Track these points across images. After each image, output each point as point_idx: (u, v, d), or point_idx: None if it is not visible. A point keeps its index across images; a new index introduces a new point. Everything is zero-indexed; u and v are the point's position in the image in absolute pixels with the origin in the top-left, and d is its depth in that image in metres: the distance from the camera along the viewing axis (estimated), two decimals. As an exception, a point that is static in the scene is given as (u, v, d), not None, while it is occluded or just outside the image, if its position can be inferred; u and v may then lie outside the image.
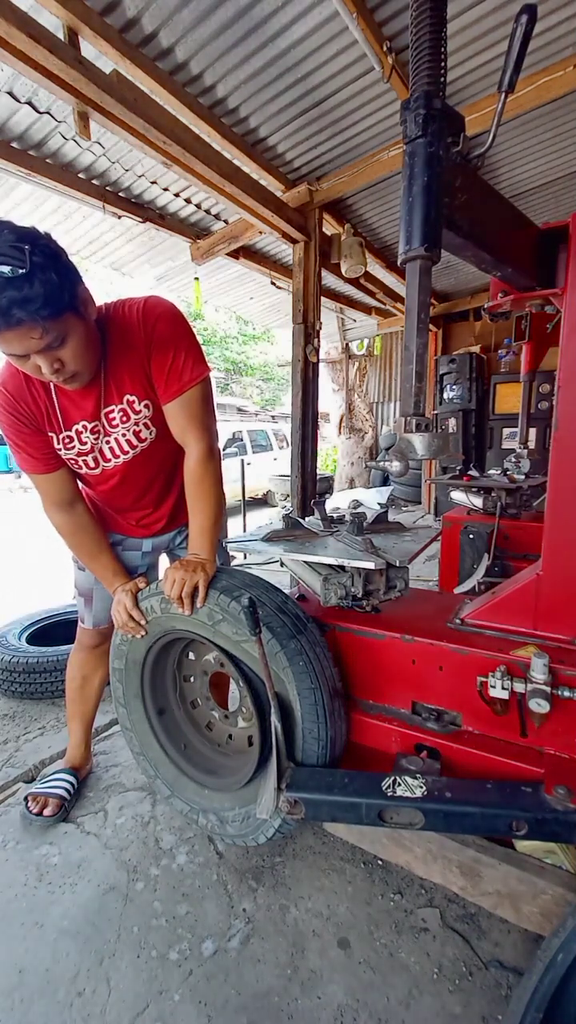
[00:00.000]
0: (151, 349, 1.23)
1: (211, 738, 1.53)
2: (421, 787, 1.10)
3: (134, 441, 1.33)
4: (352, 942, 1.20)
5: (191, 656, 1.50)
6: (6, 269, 0.91)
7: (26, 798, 1.59)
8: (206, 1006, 1.08)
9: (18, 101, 2.52)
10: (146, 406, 1.30)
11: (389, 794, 1.10)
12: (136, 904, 1.31)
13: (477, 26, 2.25)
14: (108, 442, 1.33)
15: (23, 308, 0.94)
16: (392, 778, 1.13)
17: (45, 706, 2.22)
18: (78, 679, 1.70)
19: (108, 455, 1.34)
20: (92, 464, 1.35)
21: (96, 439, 1.31)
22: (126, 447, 1.34)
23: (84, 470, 1.37)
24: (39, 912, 1.29)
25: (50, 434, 1.30)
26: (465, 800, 1.07)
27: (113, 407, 1.28)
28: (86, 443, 1.31)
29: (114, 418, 1.29)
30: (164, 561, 1.67)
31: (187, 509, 1.37)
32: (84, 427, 1.29)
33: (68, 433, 1.29)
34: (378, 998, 1.09)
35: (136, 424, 1.31)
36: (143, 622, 1.37)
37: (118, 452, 1.34)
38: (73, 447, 1.31)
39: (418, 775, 1.14)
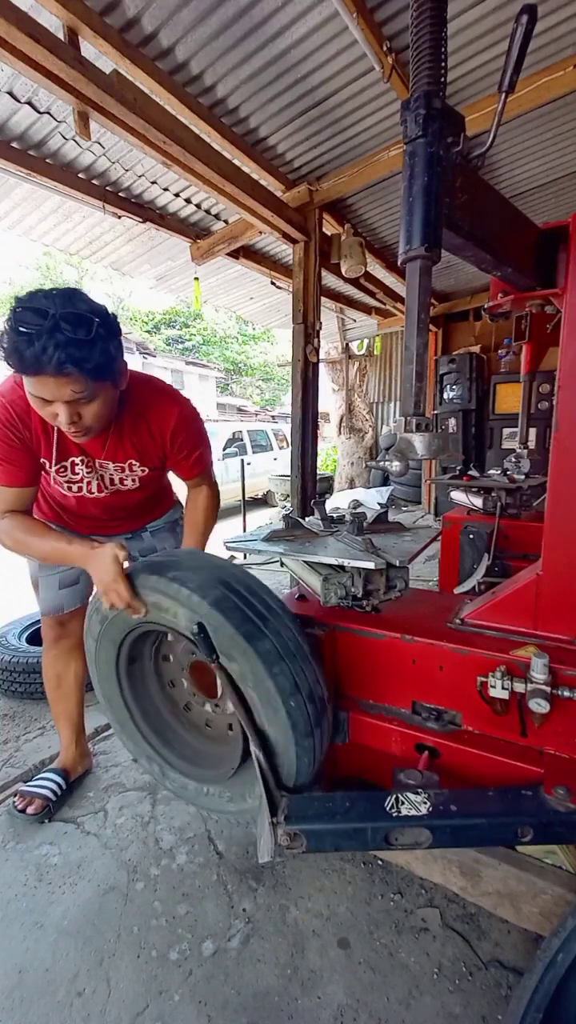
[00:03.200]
0: (178, 450, 1.46)
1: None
2: (425, 803, 1.06)
3: (119, 485, 1.49)
4: (352, 942, 1.20)
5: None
6: (74, 332, 1.05)
7: (15, 793, 1.63)
8: (206, 1006, 1.08)
9: (18, 101, 2.52)
10: (143, 470, 1.47)
11: (394, 814, 1.05)
12: (136, 904, 1.31)
13: (477, 26, 2.25)
14: (98, 480, 1.46)
15: (77, 365, 1.06)
16: (394, 796, 1.09)
17: (45, 706, 2.22)
18: (52, 679, 1.71)
19: (94, 489, 1.47)
20: (76, 491, 1.46)
21: (90, 473, 1.44)
22: (109, 486, 1.48)
23: (68, 493, 1.46)
24: (39, 912, 1.29)
25: (43, 460, 1.37)
26: (470, 812, 1.05)
27: (109, 463, 1.43)
28: (78, 474, 1.42)
29: (108, 467, 1.44)
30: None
31: (137, 522, 1.69)
32: (80, 461, 1.40)
33: (64, 463, 1.39)
34: (378, 998, 1.09)
35: (125, 476, 1.48)
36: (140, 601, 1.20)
37: (104, 487, 1.48)
38: (65, 475, 1.41)
39: (419, 790, 1.10)
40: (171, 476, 1.72)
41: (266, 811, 1.09)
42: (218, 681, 1.13)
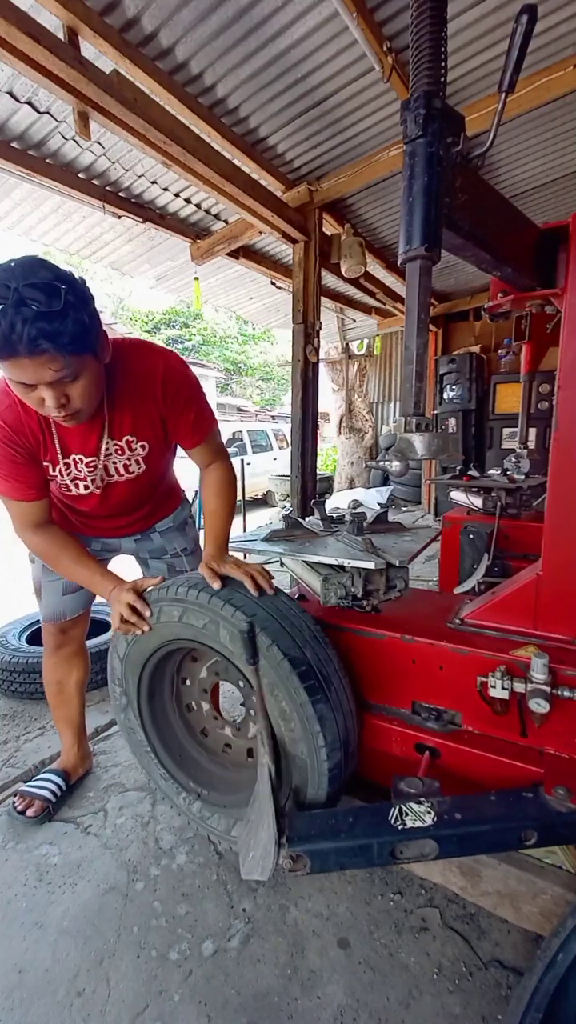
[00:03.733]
0: (172, 407, 1.34)
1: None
2: (429, 812, 1.03)
3: (124, 472, 1.41)
4: (352, 942, 1.20)
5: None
6: (42, 303, 0.96)
7: (15, 794, 1.62)
8: (206, 1006, 1.08)
9: (18, 101, 2.52)
10: (143, 447, 1.38)
11: (399, 827, 1.02)
12: (136, 904, 1.31)
13: (477, 26, 2.25)
14: (106, 469, 1.39)
15: (51, 340, 0.98)
16: (397, 808, 1.05)
17: (45, 706, 2.22)
18: (53, 685, 1.69)
19: (99, 482, 1.40)
20: (83, 489, 1.40)
21: (92, 470, 1.37)
22: (115, 475, 1.41)
23: (73, 491, 1.40)
24: (39, 912, 1.29)
25: (45, 463, 1.32)
26: (474, 820, 1.03)
27: (109, 442, 1.34)
28: (80, 471, 1.36)
29: (109, 451, 1.35)
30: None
31: (154, 518, 1.63)
32: (81, 459, 1.33)
33: (66, 461, 1.33)
34: (378, 998, 1.09)
35: (128, 460, 1.39)
36: (147, 613, 1.29)
37: (110, 476, 1.42)
38: (69, 472, 1.36)
39: (422, 799, 1.07)
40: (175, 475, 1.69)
41: (269, 828, 1.04)
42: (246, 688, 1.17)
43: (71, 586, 1.59)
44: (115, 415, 1.30)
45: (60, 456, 1.31)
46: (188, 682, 1.51)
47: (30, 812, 1.56)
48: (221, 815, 1.37)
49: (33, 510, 1.34)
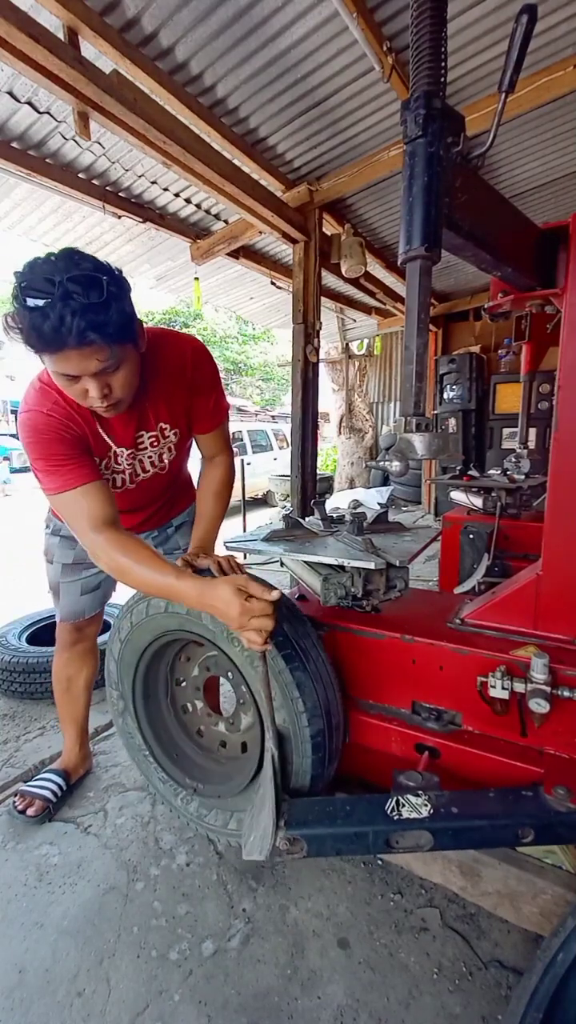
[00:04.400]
0: (198, 389, 1.37)
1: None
2: (426, 805, 1.05)
3: (157, 462, 1.43)
4: (352, 942, 1.20)
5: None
6: (86, 295, 0.96)
7: (15, 793, 1.62)
8: (206, 1006, 1.08)
9: (18, 101, 2.52)
10: (175, 433, 1.40)
11: (395, 817, 1.04)
12: (136, 904, 1.31)
13: (477, 26, 2.25)
14: (141, 463, 1.41)
15: (98, 331, 0.98)
16: (395, 799, 1.08)
17: (45, 706, 2.22)
18: (63, 681, 1.70)
19: (139, 473, 1.42)
20: (119, 484, 1.40)
21: (131, 462, 1.38)
22: (149, 467, 1.43)
23: (114, 487, 1.40)
24: (39, 912, 1.29)
25: (95, 458, 1.30)
26: (471, 814, 1.04)
27: (144, 433, 1.36)
28: (120, 464, 1.37)
29: (143, 443, 1.37)
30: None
31: (173, 511, 1.64)
32: (122, 452, 1.34)
33: (107, 456, 1.34)
34: (378, 998, 1.09)
35: (162, 448, 1.41)
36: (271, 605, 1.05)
37: (140, 473, 1.43)
38: (110, 467, 1.36)
39: (420, 792, 1.09)
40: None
41: (269, 811, 1.08)
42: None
43: (90, 585, 1.61)
44: (149, 404, 1.31)
45: (107, 449, 1.31)
46: (183, 683, 1.52)
47: (30, 811, 1.56)
48: (218, 811, 1.38)
49: (99, 494, 1.20)
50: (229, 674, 1.34)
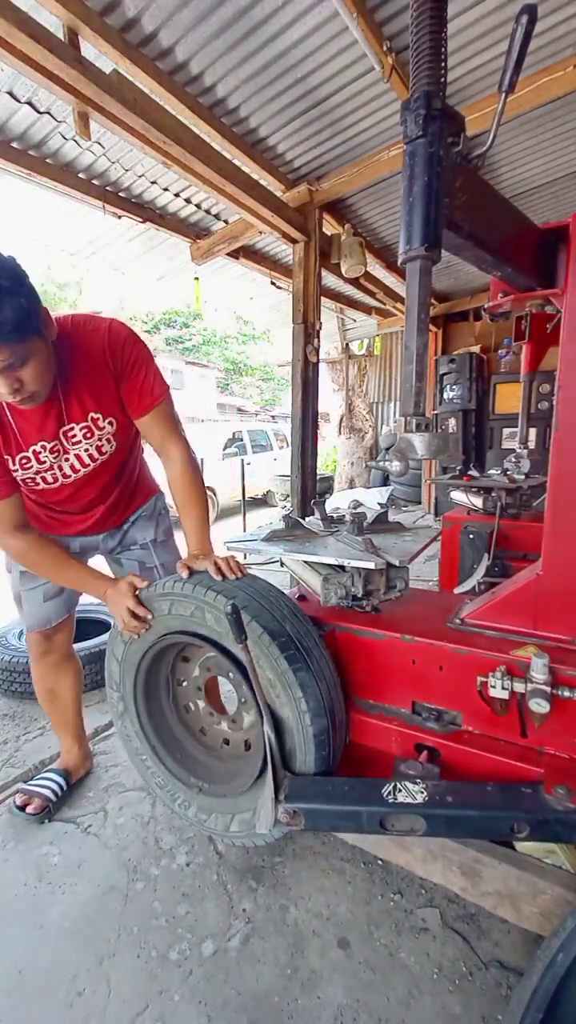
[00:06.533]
0: (123, 370, 1.30)
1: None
2: (422, 792, 1.09)
3: (95, 455, 1.38)
4: (352, 942, 1.20)
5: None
6: None
7: (16, 792, 1.62)
8: (206, 1006, 1.08)
9: (18, 101, 2.52)
10: (110, 423, 1.35)
11: (390, 801, 1.09)
12: (136, 904, 1.31)
13: (477, 26, 2.25)
14: (68, 459, 1.35)
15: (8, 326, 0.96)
16: (392, 784, 1.12)
17: (45, 706, 2.22)
18: (45, 693, 1.67)
19: (68, 471, 1.37)
20: (51, 480, 1.37)
21: (56, 457, 1.33)
22: (87, 461, 1.38)
23: (41, 486, 1.38)
24: (39, 912, 1.29)
25: (6, 456, 1.28)
26: (466, 804, 1.07)
27: (74, 425, 1.31)
28: (44, 462, 1.32)
29: (75, 435, 1.32)
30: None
31: (121, 512, 1.58)
32: (43, 447, 1.30)
33: (25, 453, 1.29)
34: (378, 998, 1.09)
35: (99, 440, 1.36)
36: (149, 616, 1.31)
37: (78, 467, 1.38)
38: (31, 467, 1.32)
39: (418, 780, 1.13)
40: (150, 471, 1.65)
41: (270, 787, 1.14)
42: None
43: (52, 591, 1.55)
44: (71, 394, 1.27)
45: (21, 447, 1.28)
46: (184, 683, 1.52)
47: (30, 809, 1.56)
48: (218, 815, 1.37)
49: (10, 509, 1.30)
50: (230, 674, 1.34)
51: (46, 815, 1.57)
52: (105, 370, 1.28)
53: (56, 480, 1.37)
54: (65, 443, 1.32)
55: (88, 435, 1.33)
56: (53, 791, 1.62)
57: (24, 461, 1.30)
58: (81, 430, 1.32)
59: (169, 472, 1.42)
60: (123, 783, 1.74)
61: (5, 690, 2.27)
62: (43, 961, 1.18)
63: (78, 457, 1.36)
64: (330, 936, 1.22)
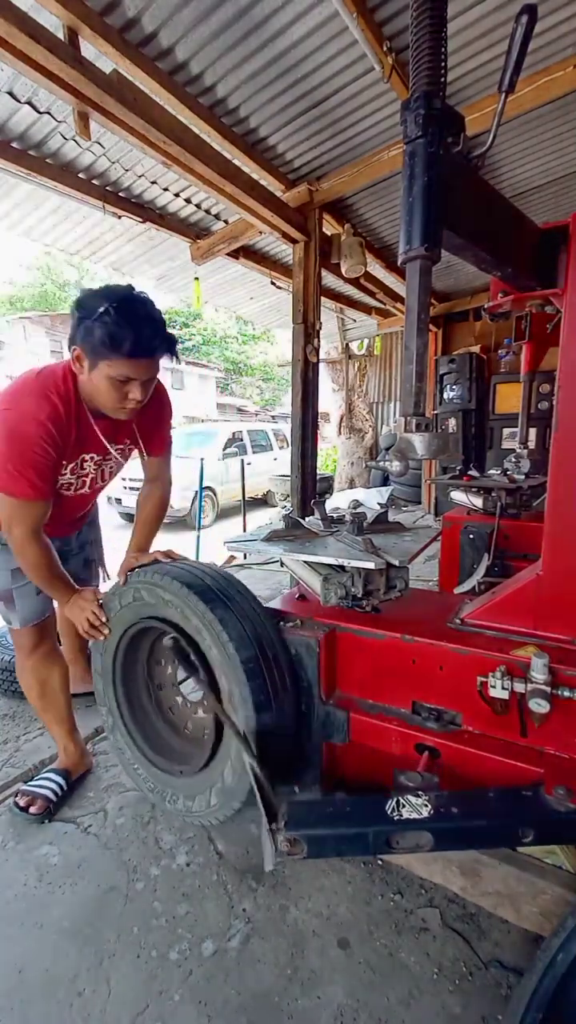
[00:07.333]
0: (161, 419, 1.61)
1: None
2: (426, 806, 1.05)
3: (114, 472, 1.67)
4: (352, 942, 1.20)
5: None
6: (159, 318, 1.27)
7: (16, 793, 1.63)
8: (206, 1006, 1.08)
9: (18, 101, 2.52)
10: (128, 449, 1.61)
11: (395, 818, 1.04)
12: (136, 904, 1.31)
13: (477, 26, 2.25)
14: (100, 472, 1.59)
15: (169, 346, 1.30)
16: (395, 799, 1.07)
17: (45, 706, 2.22)
18: (36, 687, 1.68)
19: (91, 484, 1.58)
20: (76, 487, 1.54)
21: (96, 468, 1.55)
22: (107, 477, 1.64)
23: (71, 491, 1.54)
24: (39, 912, 1.29)
25: (62, 462, 1.43)
26: (471, 815, 1.04)
27: (114, 445, 1.53)
28: (85, 470, 1.52)
29: (111, 455, 1.55)
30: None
31: (82, 519, 1.82)
32: (92, 457, 1.50)
33: (75, 461, 1.47)
34: (378, 998, 1.09)
35: (122, 461, 1.63)
36: (105, 620, 1.50)
37: (99, 482, 1.62)
38: (76, 472, 1.50)
39: (420, 792, 1.08)
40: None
41: (264, 817, 1.06)
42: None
43: None
44: (131, 421, 1.48)
45: (79, 453, 1.45)
46: (163, 688, 1.59)
47: (33, 809, 1.56)
48: (199, 796, 1.40)
49: (41, 511, 1.40)
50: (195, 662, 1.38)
51: (46, 815, 1.57)
52: (159, 408, 1.56)
53: (77, 488, 1.54)
54: (105, 458, 1.54)
55: (121, 455, 1.58)
56: (53, 791, 1.62)
57: (74, 467, 1.48)
58: (116, 449, 1.54)
59: (150, 494, 1.72)
60: (123, 783, 1.74)
61: (5, 690, 2.27)
62: (43, 961, 1.18)
63: (103, 473, 1.60)
64: (330, 936, 1.22)
